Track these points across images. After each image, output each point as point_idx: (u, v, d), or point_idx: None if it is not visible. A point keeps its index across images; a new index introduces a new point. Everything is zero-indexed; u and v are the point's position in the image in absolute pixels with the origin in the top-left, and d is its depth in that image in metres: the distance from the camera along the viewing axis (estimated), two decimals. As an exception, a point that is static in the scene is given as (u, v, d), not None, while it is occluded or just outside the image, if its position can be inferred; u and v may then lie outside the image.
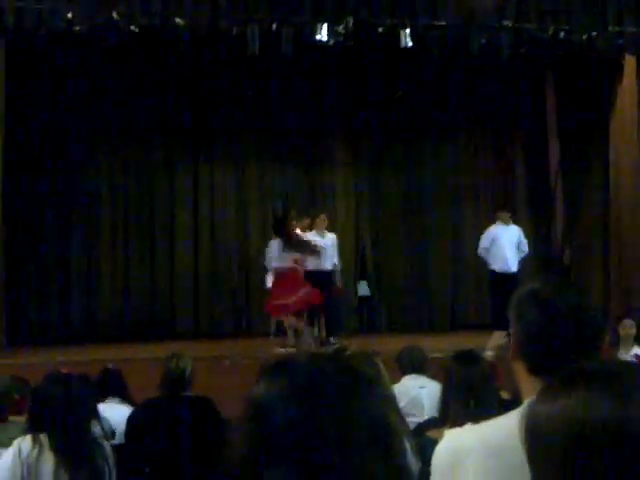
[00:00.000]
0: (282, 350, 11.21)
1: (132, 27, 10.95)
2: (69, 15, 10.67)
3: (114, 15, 10.75)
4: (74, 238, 14.12)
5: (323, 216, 12.53)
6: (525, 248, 12.27)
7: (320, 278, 11.98)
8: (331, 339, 12.20)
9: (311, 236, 12.11)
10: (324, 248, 12.04)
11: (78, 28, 10.79)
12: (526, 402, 2.10)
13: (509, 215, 12.31)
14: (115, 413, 5.82)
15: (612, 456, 1.18)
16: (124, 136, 14.30)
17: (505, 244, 12.01)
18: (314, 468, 1.21)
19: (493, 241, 12.06)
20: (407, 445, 3.70)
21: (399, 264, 15.12)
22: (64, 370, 5.28)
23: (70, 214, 14.12)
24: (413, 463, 3.49)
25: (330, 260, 12.32)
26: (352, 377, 1.31)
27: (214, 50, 12.83)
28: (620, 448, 1.18)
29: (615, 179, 13.27)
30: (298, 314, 11.60)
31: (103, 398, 5.98)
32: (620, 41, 12.22)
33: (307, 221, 12.56)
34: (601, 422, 1.19)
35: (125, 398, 6.24)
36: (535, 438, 1.27)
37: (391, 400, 4.42)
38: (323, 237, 12.25)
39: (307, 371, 1.29)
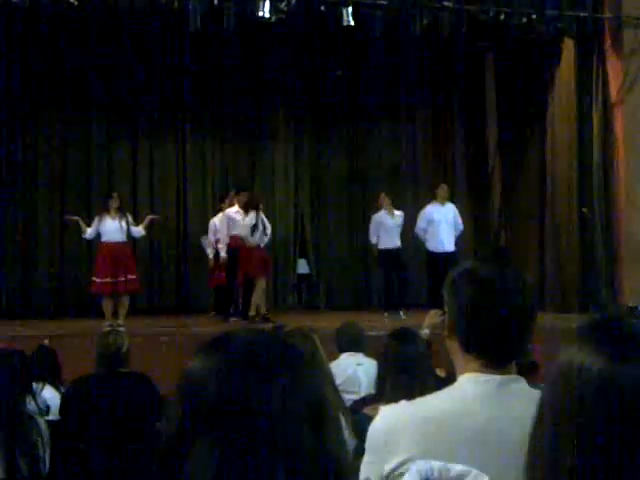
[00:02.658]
0: None
1: (72, 0, 10.77)
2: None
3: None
4: (9, 212, 13.92)
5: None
6: (460, 226, 12.46)
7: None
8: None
9: (233, 214, 12.24)
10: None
11: (17, 0, 10.58)
12: (461, 377, 2.13)
13: (447, 191, 12.50)
14: (48, 394, 5.78)
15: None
16: (62, 109, 14.12)
17: (440, 223, 12.21)
18: (245, 442, 1.22)
19: (429, 221, 12.25)
20: (343, 422, 3.73)
21: (338, 242, 15.16)
22: (-2, 345, 5.22)
23: (5, 187, 13.90)
24: (349, 440, 3.52)
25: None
26: (288, 353, 1.32)
27: (155, 24, 12.68)
28: None
29: (552, 160, 13.42)
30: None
31: (37, 376, 5.92)
32: (558, 24, 12.34)
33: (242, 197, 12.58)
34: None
35: (57, 378, 6.19)
36: (571, 386, 1.26)
37: (328, 377, 4.45)
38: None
39: (242, 346, 1.30)
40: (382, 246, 12.90)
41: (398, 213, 12.66)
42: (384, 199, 12.98)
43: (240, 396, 1.23)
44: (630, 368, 1.22)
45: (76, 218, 11.83)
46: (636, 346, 1.25)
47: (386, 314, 12.68)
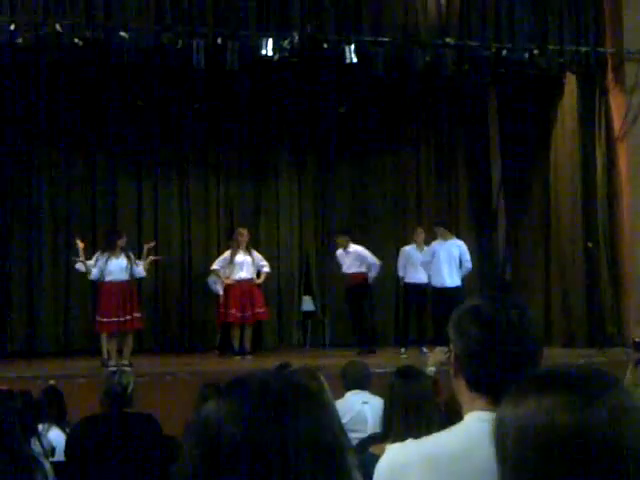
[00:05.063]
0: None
1: (76, 40, 10.85)
2: (12, 27, 10.55)
3: (57, 27, 10.65)
4: (15, 252, 13.93)
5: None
6: (468, 265, 12.45)
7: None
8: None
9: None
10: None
11: (21, 40, 10.67)
12: (467, 416, 2.12)
13: (446, 230, 12.53)
14: (54, 435, 5.77)
15: (576, 457, 1.21)
16: (67, 148, 14.17)
17: (442, 259, 12.24)
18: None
19: (432, 256, 12.27)
20: (351, 461, 3.70)
21: (343, 279, 15.12)
22: (3, 386, 5.21)
23: (11, 228, 13.93)
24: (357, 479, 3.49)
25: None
26: (302, 395, 1.32)
27: (159, 63, 12.76)
28: (583, 449, 1.21)
29: (556, 194, 13.43)
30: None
31: (43, 417, 5.91)
32: (561, 59, 12.42)
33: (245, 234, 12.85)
34: (564, 425, 1.22)
35: (63, 419, 6.17)
36: (502, 442, 1.29)
37: (335, 416, 4.43)
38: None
39: (257, 389, 1.30)
40: (408, 280, 12.91)
41: (427, 249, 12.65)
42: (419, 234, 12.98)
43: (256, 438, 1.24)
44: (597, 413, 1.23)
45: (81, 259, 11.77)
46: (589, 389, 1.27)
47: (403, 350, 12.61)
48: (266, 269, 12.98)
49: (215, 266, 12.92)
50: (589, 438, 1.22)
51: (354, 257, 13.06)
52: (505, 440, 1.29)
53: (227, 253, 12.83)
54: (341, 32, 11.64)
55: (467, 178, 15.59)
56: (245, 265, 12.66)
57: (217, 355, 12.96)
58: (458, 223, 14.89)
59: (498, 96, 15.08)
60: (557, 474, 1.22)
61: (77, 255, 11.80)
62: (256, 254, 12.90)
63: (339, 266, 13.31)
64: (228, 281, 12.63)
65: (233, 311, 12.56)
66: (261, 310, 12.80)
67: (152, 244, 12.36)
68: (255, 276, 12.78)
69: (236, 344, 12.61)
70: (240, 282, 12.61)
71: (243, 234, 12.85)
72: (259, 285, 12.89)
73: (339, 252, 13.26)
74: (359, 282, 13.02)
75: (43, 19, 10.71)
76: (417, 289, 12.85)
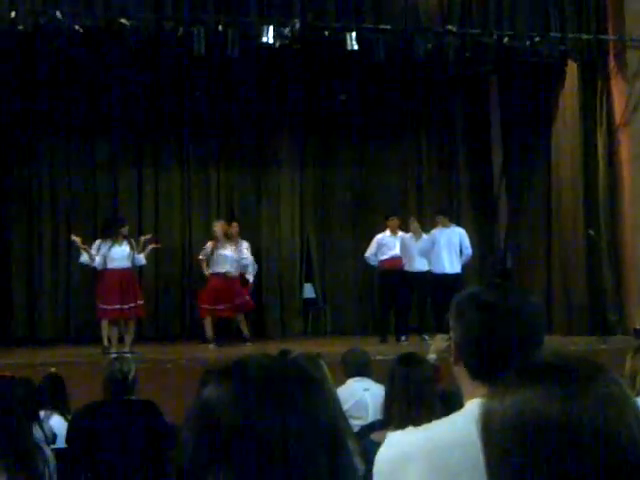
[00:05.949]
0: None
1: (76, 27, 10.83)
2: (12, 14, 10.52)
3: (58, 15, 10.62)
4: (15, 239, 13.94)
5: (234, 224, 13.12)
6: (468, 251, 12.44)
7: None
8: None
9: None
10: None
11: (21, 27, 10.65)
12: (468, 404, 2.11)
13: (446, 218, 12.51)
14: (55, 422, 5.77)
15: (563, 448, 1.20)
16: (67, 136, 14.16)
17: (443, 246, 12.23)
18: (261, 468, 1.22)
19: (433, 243, 12.26)
20: (352, 447, 3.70)
21: (345, 266, 15.13)
22: (4, 373, 5.21)
23: (11, 215, 13.93)
24: (358, 466, 3.49)
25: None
26: (303, 379, 1.32)
27: (159, 51, 12.75)
28: (570, 440, 1.21)
29: (557, 183, 13.41)
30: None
31: (44, 404, 5.91)
32: (562, 47, 12.38)
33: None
34: (551, 416, 1.22)
35: (65, 406, 6.17)
36: (489, 434, 1.29)
37: (336, 402, 4.43)
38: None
39: (258, 373, 1.30)
40: (407, 269, 12.85)
41: (428, 236, 12.61)
42: (412, 223, 12.88)
43: (256, 423, 1.24)
44: (585, 402, 1.23)
45: (83, 247, 11.75)
46: (577, 379, 1.27)
47: (404, 337, 12.60)
48: (249, 277, 13.05)
49: (200, 256, 12.87)
50: (578, 428, 1.21)
51: (399, 241, 12.93)
52: (492, 432, 1.29)
53: (209, 244, 12.72)
54: (342, 19, 11.61)
55: (468, 166, 15.57)
56: (226, 258, 12.53)
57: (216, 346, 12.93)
58: (459, 211, 14.88)
59: (499, 84, 15.05)
60: (546, 465, 1.22)
61: (77, 249, 11.82)
62: (244, 250, 12.81)
63: (380, 250, 13.03)
64: (208, 272, 12.59)
65: (205, 304, 12.51)
66: (239, 302, 12.67)
67: (148, 236, 12.36)
68: (236, 271, 12.67)
69: (209, 332, 12.49)
70: (218, 275, 12.48)
71: (217, 226, 12.72)
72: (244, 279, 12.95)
73: (383, 236, 13.03)
74: (400, 267, 12.88)
75: (43, 6, 10.68)
76: (416, 277, 12.81)
